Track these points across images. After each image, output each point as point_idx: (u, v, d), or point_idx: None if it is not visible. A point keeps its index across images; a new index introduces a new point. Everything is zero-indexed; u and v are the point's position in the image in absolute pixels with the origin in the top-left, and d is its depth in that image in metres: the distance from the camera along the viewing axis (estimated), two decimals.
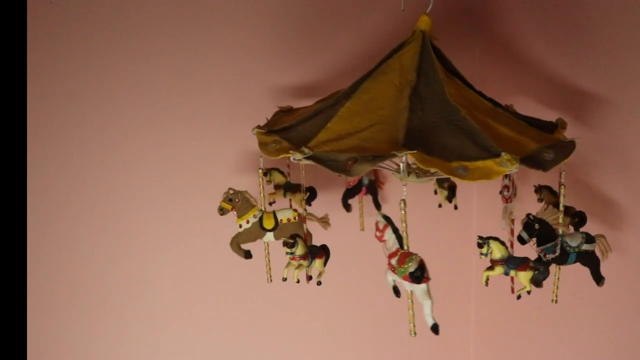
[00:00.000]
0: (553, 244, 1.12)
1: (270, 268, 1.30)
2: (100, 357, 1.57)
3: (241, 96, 1.53)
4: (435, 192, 1.58)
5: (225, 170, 1.56)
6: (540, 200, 1.36)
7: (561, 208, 1.17)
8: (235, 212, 1.25)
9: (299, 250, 1.17)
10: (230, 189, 1.24)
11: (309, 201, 1.42)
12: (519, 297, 1.18)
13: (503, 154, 1.01)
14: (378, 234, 1.08)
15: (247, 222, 1.25)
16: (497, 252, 1.12)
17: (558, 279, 1.19)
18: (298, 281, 1.21)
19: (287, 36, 1.54)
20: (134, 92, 1.45)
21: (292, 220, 1.26)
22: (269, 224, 1.25)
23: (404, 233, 1.04)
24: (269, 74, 1.54)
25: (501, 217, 1.50)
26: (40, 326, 1.48)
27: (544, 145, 1.09)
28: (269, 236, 1.26)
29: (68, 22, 1.36)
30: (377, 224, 1.08)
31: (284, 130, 1.17)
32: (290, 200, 1.45)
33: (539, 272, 1.13)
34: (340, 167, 0.99)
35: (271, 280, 1.28)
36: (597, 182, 1.37)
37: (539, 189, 1.35)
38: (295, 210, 1.27)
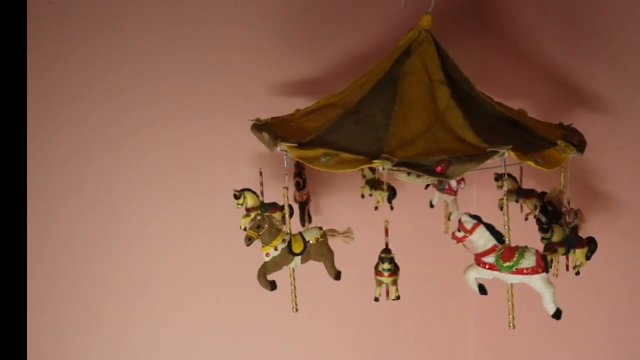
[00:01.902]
0: (561, 222, 1.18)
1: (295, 296, 1.21)
2: (100, 357, 1.57)
3: (242, 96, 1.53)
4: (362, 196, 1.54)
5: (226, 170, 1.56)
6: (499, 187, 1.41)
7: (562, 189, 1.22)
8: (259, 240, 1.12)
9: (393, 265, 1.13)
10: (257, 214, 1.14)
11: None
12: (577, 273, 1.22)
13: (559, 141, 1.04)
14: (460, 234, 1.06)
15: (276, 249, 1.12)
16: (558, 234, 1.16)
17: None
18: (398, 297, 1.16)
19: (287, 36, 1.54)
20: (134, 92, 1.45)
21: (320, 239, 1.17)
22: (298, 247, 1.14)
23: (506, 227, 1.04)
24: (270, 74, 1.54)
25: (449, 210, 1.54)
26: (40, 326, 1.48)
27: (566, 131, 1.14)
28: (297, 261, 1.15)
29: (68, 22, 1.36)
30: (462, 224, 1.06)
31: (314, 142, 1.07)
32: None
33: (591, 247, 1.19)
34: (431, 171, 0.96)
35: (297, 310, 1.20)
36: (589, 177, 1.37)
37: (499, 177, 1.38)
38: (320, 229, 1.18)
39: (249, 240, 1.11)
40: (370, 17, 1.59)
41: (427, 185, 1.55)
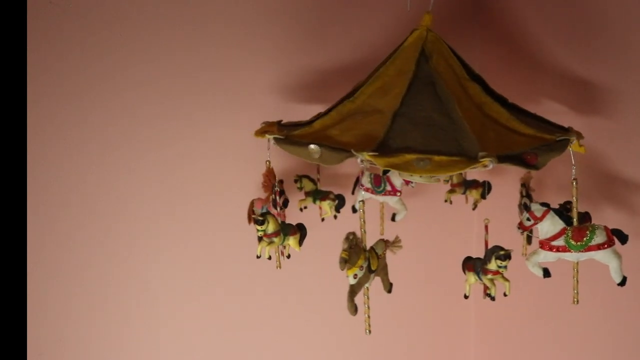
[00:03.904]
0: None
1: (369, 316, 1.12)
2: (100, 357, 1.57)
3: (242, 96, 1.53)
4: (301, 209, 1.49)
5: (226, 170, 1.56)
6: (446, 182, 1.47)
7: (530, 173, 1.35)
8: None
9: None
10: (349, 233, 1.03)
11: (300, 241, 1.31)
12: None
13: (570, 127, 1.10)
14: (530, 222, 1.11)
15: (361, 268, 1.03)
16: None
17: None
18: (505, 295, 1.17)
19: (292, 36, 1.54)
20: (134, 92, 1.45)
21: (384, 253, 1.12)
22: (374, 263, 1.07)
23: (574, 208, 1.10)
24: (272, 75, 1.54)
25: (394, 210, 1.52)
26: (40, 326, 1.48)
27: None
28: (372, 278, 1.08)
29: (68, 22, 1.36)
30: (532, 213, 1.11)
31: (386, 147, 1.02)
32: (282, 247, 1.32)
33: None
34: (523, 163, 0.99)
35: (370, 332, 1.12)
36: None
37: None
38: (383, 241, 1.12)
39: (345, 263, 1.01)
40: (372, 17, 1.59)
41: (353, 190, 1.52)
